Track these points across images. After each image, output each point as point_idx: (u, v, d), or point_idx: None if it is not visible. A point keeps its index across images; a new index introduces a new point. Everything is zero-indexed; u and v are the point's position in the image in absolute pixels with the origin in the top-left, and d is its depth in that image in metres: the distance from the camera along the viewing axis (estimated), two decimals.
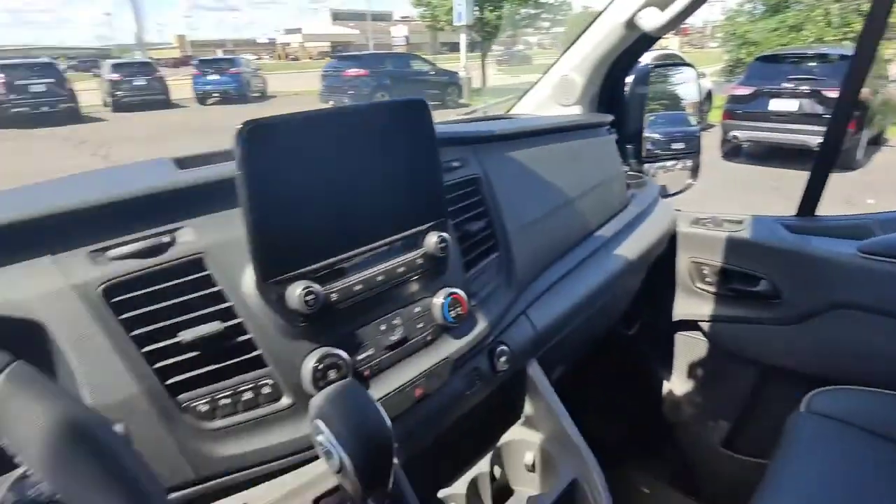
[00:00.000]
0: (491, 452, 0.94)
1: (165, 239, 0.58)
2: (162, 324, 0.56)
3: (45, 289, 0.52)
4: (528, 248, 0.97)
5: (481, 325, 0.82)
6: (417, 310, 0.74)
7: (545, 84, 1.49)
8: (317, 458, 0.62)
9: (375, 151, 0.65)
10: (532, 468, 0.95)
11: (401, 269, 0.70)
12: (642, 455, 1.76)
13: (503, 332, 0.89)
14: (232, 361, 0.59)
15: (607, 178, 1.30)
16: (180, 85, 17.41)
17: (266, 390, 0.61)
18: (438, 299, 0.75)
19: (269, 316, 0.60)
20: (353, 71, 14.68)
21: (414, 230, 0.71)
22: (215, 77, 16.24)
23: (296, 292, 0.59)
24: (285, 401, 0.62)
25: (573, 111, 1.45)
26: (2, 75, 12.01)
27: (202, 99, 16.28)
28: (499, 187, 0.94)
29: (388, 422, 0.53)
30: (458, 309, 0.76)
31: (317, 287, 0.60)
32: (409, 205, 0.70)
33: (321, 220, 0.61)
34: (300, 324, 0.61)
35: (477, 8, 17.34)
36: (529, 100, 1.52)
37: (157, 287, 0.56)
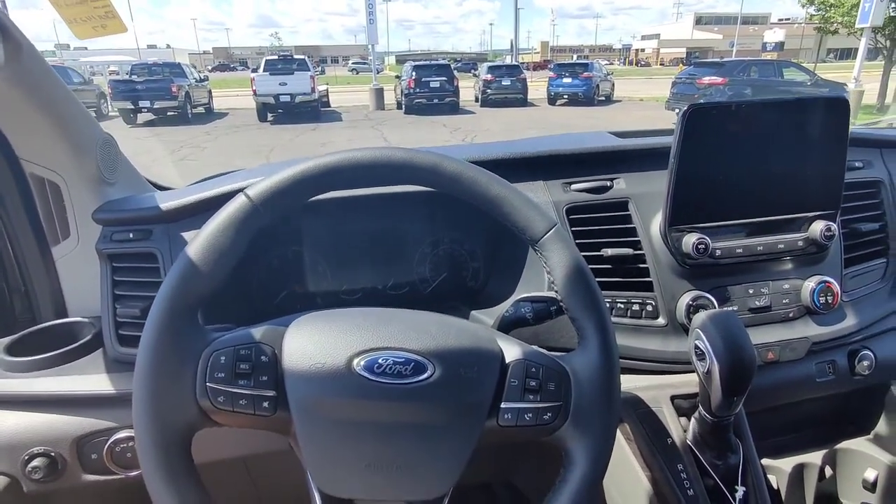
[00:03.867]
0: (824, 452, 0.94)
1: (607, 183, 0.83)
2: (592, 240, 0.81)
3: (542, 200, 0.82)
4: None
5: (849, 322, 0.84)
6: (786, 286, 0.83)
7: None
8: (674, 371, 0.80)
9: (787, 140, 0.76)
10: (872, 487, 0.91)
11: (780, 246, 0.80)
12: None
13: (872, 339, 0.88)
14: (631, 279, 0.81)
15: None
16: (536, 86, 19.44)
17: (649, 308, 0.80)
18: (810, 283, 0.82)
19: (665, 254, 0.80)
20: (708, 79, 13.70)
21: (802, 214, 0.80)
22: (568, 80, 17.47)
23: (691, 240, 0.77)
24: (661, 321, 0.80)
25: None
26: (414, 74, 15.56)
27: (552, 100, 17.75)
28: None
29: (754, 350, 0.66)
30: (829, 297, 0.81)
31: (707, 240, 0.77)
32: (805, 191, 0.79)
33: (725, 189, 0.77)
34: (687, 266, 0.79)
35: (894, 4, 13.84)
36: None
37: (595, 214, 0.82)
